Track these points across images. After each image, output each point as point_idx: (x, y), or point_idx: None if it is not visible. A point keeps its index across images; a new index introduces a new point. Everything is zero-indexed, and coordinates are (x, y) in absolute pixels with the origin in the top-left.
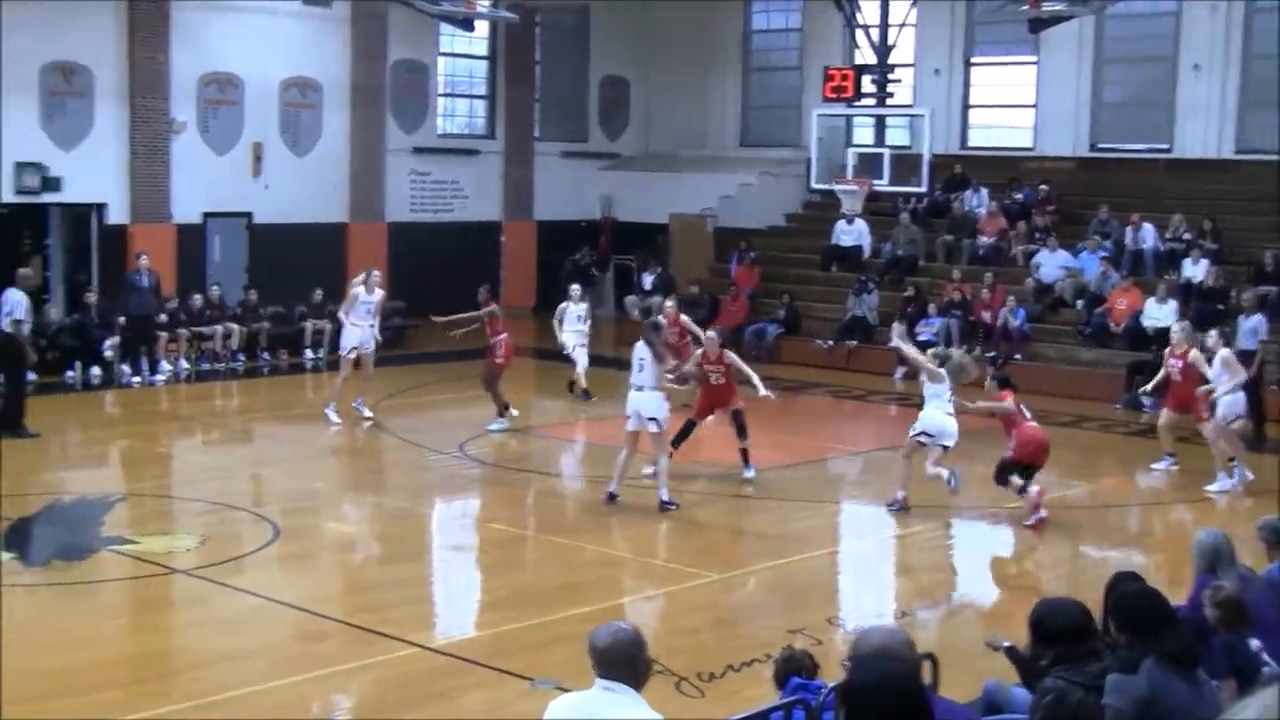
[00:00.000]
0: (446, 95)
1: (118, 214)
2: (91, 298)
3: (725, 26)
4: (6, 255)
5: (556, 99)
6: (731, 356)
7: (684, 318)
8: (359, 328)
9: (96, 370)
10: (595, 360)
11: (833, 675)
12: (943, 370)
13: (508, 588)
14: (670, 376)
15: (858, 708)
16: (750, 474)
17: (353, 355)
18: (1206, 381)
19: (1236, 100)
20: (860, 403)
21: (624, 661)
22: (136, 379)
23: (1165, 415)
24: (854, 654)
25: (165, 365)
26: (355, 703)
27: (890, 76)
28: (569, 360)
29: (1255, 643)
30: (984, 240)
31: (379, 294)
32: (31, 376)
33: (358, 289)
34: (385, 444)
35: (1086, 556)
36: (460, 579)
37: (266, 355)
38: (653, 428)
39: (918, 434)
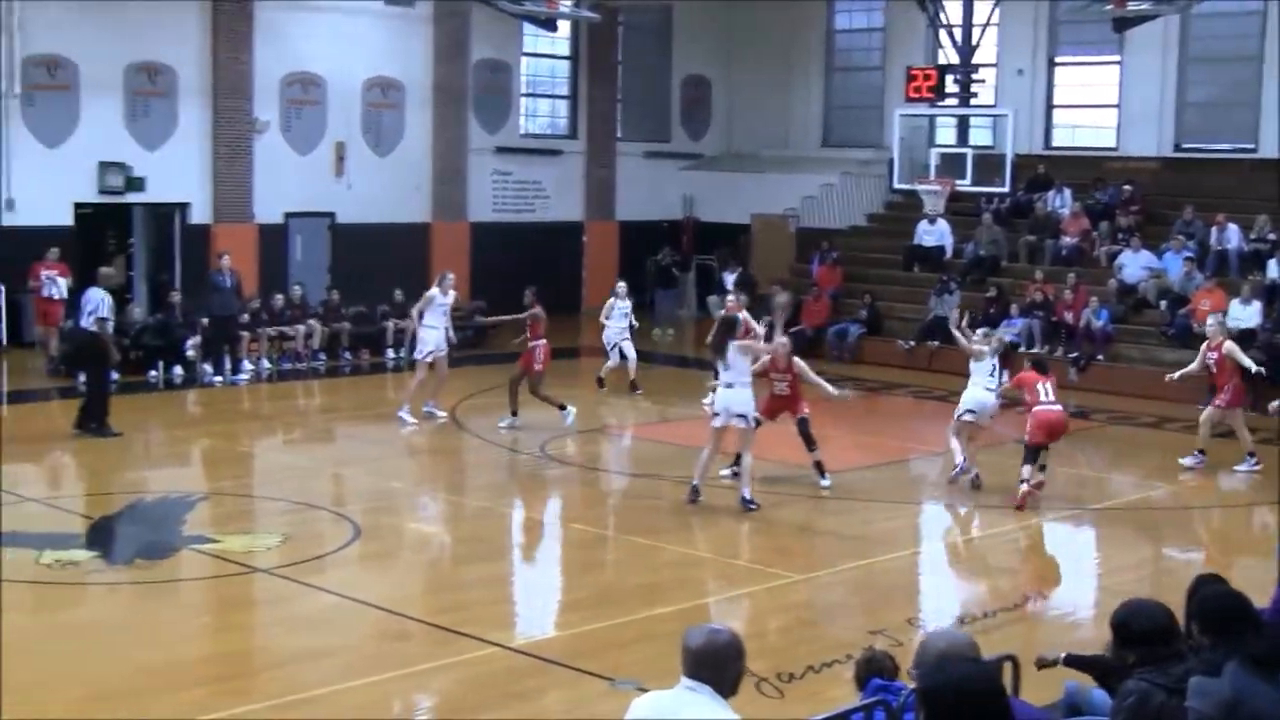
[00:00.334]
0: (529, 95)
1: (200, 214)
2: (176, 297)
3: (807, 26)
4: (91, 255)
5: (638, 99)
6: (800, 366)
7: (745, 314)
8: (434, 330)
9: (179, 370)
10: (677, 361)
11: (910, 677)
12: (985, 348)
13: (588, 588)
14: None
15: (938, 708)
16: (826, 483)
17: (430, 359)
18: (1243, 371)
19: None
20: (942, 403)
21: (712, 664)
22: (218, 378)
23: (1208, 410)
24: (918, 660)
25: (247, 365)
26: (435, 702)
27: (973, 76)
28: (605, 354)
29: None
30: (1067, 241)
31: (453, 295)
32: (115, 376)
33: (433, 291)
34: (466, 444)
35: (1169, 558)
36: (540, 579)
37: (348, 355)
38: (741, 424)
39: (963, 413)
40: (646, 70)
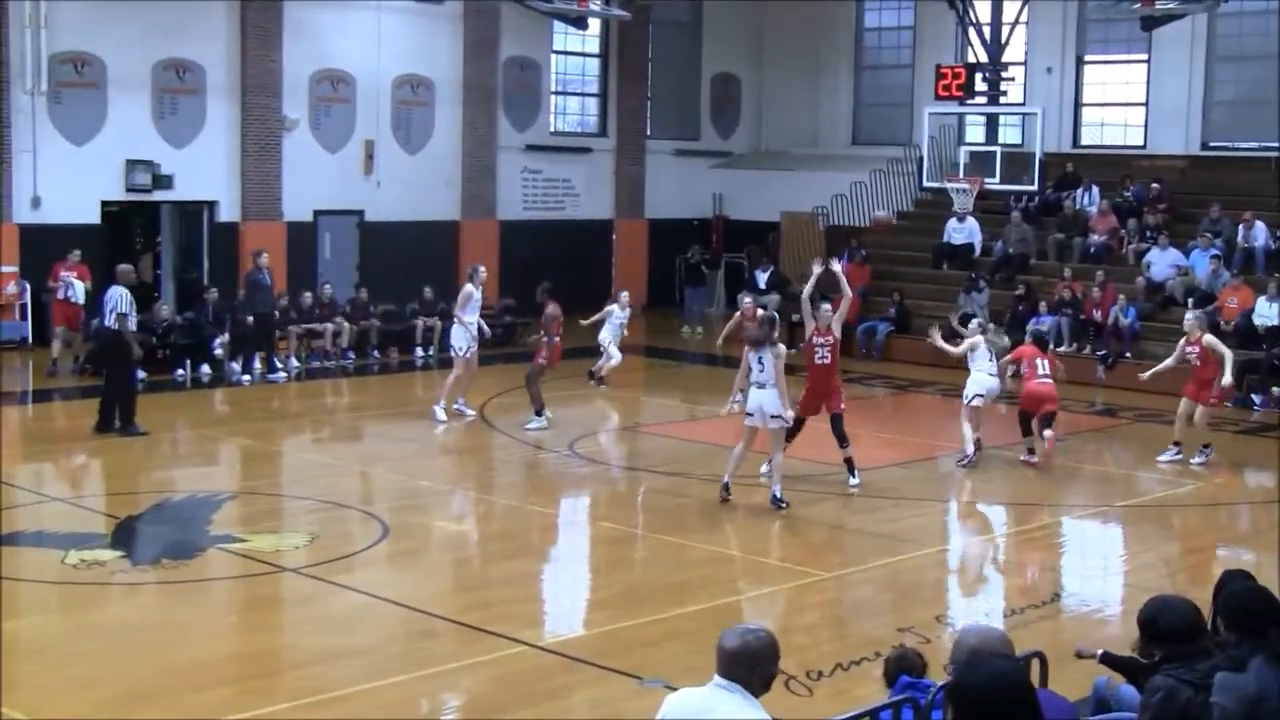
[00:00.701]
0: (559, 93)
1: (229, 211)
2: (213, 294)
3: (837, 24)
4: (118, 253)
5: (668, 97)
6: (840, 280)
7: (761, 313)
8: (470, 326)
9: (206, 368)
10: (707, 359)
11: (940, 674)
12: (978, 339)
13: (616, 586)
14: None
15: (966, 706)
16: (855, 482)
17: (468, 354)
18: (1224, 366)
19: None
20: None
21: (746, 664)
22: (246, 377)
23: (1185, 403)
24: (954, 656)
25: (275, 363)
26: (464, 701)
27: (1002, 75)
28: (598, 354)
29: None
30: (1095, 238)
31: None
32: (141, 374)
33: (470, 287)
34: (495, 442)
35: (1195, 554)
36: (569, 577)
37: (377, 353)
38: (775, 424)
39: (972, 398)
40: (676, 68)
